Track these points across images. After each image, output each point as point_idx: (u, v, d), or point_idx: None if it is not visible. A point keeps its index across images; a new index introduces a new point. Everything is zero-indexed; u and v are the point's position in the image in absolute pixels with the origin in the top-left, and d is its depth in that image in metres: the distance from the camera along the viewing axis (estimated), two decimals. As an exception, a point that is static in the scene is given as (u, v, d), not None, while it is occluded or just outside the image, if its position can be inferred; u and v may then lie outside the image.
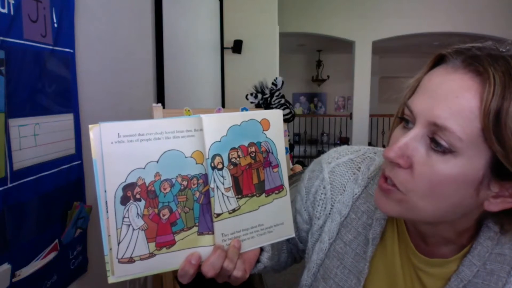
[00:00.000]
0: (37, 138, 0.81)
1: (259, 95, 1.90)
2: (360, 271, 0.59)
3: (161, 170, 0.47)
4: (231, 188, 0.51)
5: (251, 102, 1.92)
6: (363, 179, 0.63)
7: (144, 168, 0.46)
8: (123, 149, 0.45)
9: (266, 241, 0.55)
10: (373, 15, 5.14)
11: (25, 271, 0.78)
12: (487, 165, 0.42)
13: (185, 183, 0.48)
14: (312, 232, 0.66)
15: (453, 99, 0.42)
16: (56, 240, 0.89)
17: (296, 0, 5.00)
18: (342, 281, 0.61)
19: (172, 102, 1.81)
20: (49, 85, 0.85)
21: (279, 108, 1.88)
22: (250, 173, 0.52)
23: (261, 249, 0.60)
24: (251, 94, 1.92)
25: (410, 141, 0.46)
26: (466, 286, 0.52)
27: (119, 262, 0.45)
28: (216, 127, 0.49)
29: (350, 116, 5.72)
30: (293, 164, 2.36)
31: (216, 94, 3.08)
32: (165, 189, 0.47)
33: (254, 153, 0.52)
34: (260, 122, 0.53)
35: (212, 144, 0.49)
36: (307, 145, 7.43)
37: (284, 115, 1.89)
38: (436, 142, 0.44)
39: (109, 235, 0.45)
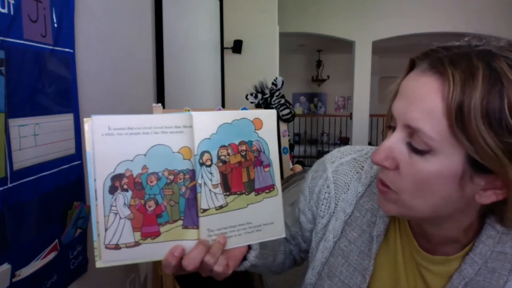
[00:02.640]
0: (37, 138, 0.81)
1: (259, 95, 1.90)
2: (365, 268, 0.60)
3: (148, 163, 0.48)
4: (219, 185, 0.52)
5: (251, 102, 1.93)
6: (367, 178, 0.63)
7: (132, 161, 0.48)
8: (113, 141, 0.47)
9: (254, 240, 0.55)
10: (373, 15, 5.14)
11: (25, 271, 0.78)
12: (464, 160, 0.44)
13: (171, 177, 0.49)
14: (316, 231, 0.67)
15: (422, 101, 0.45)
16: (56, 240, 0.89)
17: (296, 0, 4.99)
18: (348, 278, 0.61)
19: (172, 102, 1.81)
20: (49, 85, 0.85)
21: (279, 108, 1.88)
22: (239, 171, 0.53)
23: (249, 247, 0.60)
24: (251, 94, 1.92)
25: (392, 144, 0.49)
26: (468, 284, 0.53)
27: (106, 247, 0.47)
28: (206, 124, 0.50)
29: (350, 116, 5.72)
30: (293, 164, 2.36)
31: (216, 94, 3.08)
32: (151, 181, 0.49)
33: (244, 152, 0.53)
34: (252, 121, 0.53)
35: (201, 141, 0.50)
36: (307, 145, 7.43)
37: (284, 115, 1.89)
38: (413, 143, 0.46)
39: (97, 222, 0.47)
